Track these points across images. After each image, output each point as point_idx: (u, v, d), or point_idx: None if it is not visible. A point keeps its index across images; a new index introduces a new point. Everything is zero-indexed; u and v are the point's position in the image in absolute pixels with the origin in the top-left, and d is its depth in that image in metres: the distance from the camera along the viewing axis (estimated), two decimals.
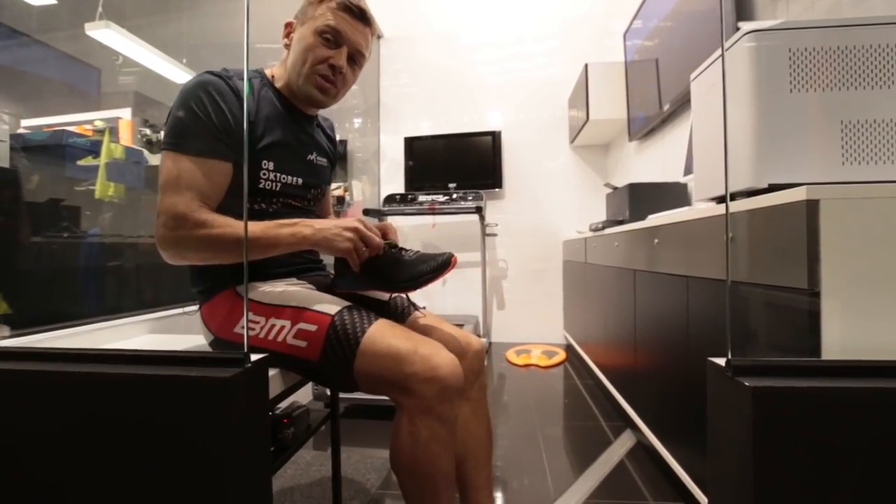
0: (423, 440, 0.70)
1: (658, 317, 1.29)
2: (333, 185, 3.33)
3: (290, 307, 0.77)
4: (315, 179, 0.95)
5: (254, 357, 0.69)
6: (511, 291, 3.22)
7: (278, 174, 0.85)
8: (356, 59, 0.88)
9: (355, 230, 0.76)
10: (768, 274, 0.76)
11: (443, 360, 0.71)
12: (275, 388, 0.79)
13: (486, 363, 0.88)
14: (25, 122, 3.25)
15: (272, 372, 0.76)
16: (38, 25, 3.00)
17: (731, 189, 0.89)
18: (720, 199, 1.00)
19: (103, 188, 2.34)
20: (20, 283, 1.38)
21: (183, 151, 0.74)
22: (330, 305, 0.78)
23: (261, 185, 0.82)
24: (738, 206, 0.84)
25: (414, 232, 3.31)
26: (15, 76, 3.31)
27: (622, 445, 1.53)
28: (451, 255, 0.83)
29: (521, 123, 3.20)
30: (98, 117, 3.32)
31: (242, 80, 0.81)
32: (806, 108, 0.79)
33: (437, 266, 0.82)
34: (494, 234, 3.17)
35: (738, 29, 0.85)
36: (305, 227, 0.76)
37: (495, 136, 3.16)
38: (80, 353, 0.66)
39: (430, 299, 3.24)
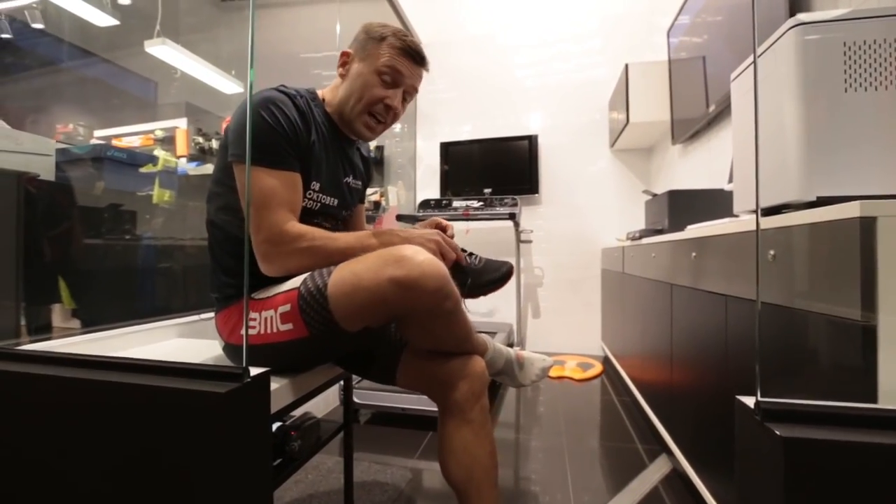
0: (441, 334, 0.79)
1: (695, 336, 1.19)
2: (370, 191, 3.40)
3: (271, 296, 0.79)
4: (349, 201, 0.99)
5: (254, 371, 0.69)
6: (547, 299, 3.12)
7: (321, 195, 0.89)
8: (408, 95, 0.92)
9: (436, 242, 0.83)
10: (815, 300, 0.67)
11: (414, 257, 0.71)
12: (283, 399, 0.79)
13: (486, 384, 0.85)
14: (98, 133, 3.56)
15: (279, 384, 0.76)
16: (103, 44, 3.26)
17: (775, 201, 0.80)
18: (765, 212, 0.90)
19: (160, 195, 2.51)
20: (82, 282, 1.48)
21: (270, 166, 0.77)
22: (291, 282, 0.79)
23: (304, 204, 0.84)
24: (781, 220, 0.75)
25: None
26: (86, 92, 3.63)
27: (657, 471, 1.43)
28: (510, 266, 0.93)
29: (560, 127, 3.11)
30: (158, 127, 3.59)
31: (303, 97, 0.86)
32: (864, 110, 0.69)
33: (500, 276, 0.91)
34: (529, 241, 3.09)
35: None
36: (394, 236, 0.81)
37: (532, 141, 3.08)
38: (84, 360, 0.68)
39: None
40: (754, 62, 0.57)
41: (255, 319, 0.77)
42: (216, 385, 0.63)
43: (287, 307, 0.75)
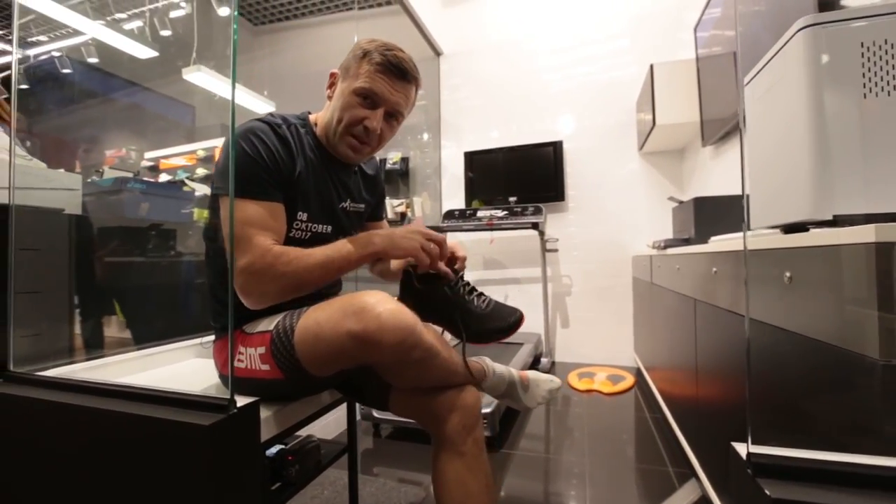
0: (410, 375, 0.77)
1: (718, 356, 1.11)
2: (395, 202, 3.44)
3: (254, 333, 0.79)
4: (346, 226, 0.95)
5: (241, 402, 0.70)
6: (576, 309, 3.03)
7: (310, 224, 0.86)
8: (395, 116, 0.88)
9: (422, 234, 0.80)
10: (833, 330, 0.60)
11: (374, 308, 0.68)
12: (278, 425, 0.80)
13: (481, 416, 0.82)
14: (147, 155, 3.83)
15: (271, 410, 0.77)
16: (146, 75, 3.50)
17: (789, 219, 0.73)
18: (788, 228, 0.83)
19: (200, 213, 2.68)
20: (131, 297, 1.56)
21: (250, 197, 0.76)
22: (271, 321, 0.78)
23: (291, 234, 0.83)
24: (794, 240, 0.69)
25: (474, 247, 3.27)
26: (133, 119, 3.90)
27: (684, 498, 1.34)
28: (520, 316, 0.87)
29: (587, 131, 3.02)
30: (200, 147, 3.82)
31: (290, 125, 0.86)
32: (885, 118, 0.62)
33: (507, 326, 0.85)
34: (555, 250, 3.01)
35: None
36: (373, 235, 0.80)
37: (556, 147, 3.01)
38: (83, 385, 0.72)
39: None
40: (740, 97, 0.52)
41: (242, 353, 0.78)
42: (202, 416, 0.64)
43: (262, 349, 0.76)
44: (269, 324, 0.78)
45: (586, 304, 3.00)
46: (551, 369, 2.82)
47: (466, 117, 3.38)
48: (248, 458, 0.70)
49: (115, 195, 1.18)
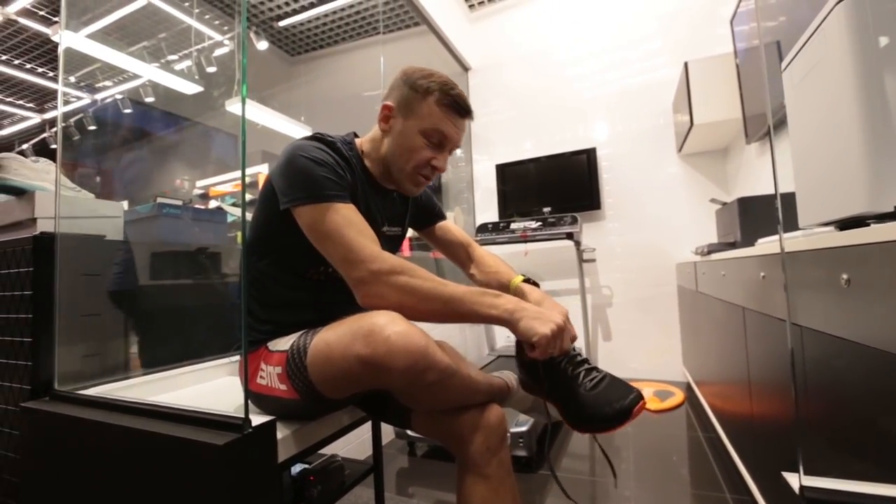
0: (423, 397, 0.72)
1: (772, 370, 1.00)
2: None
3: (276, 351, 0.78)
4: (385, 250, 0.93)
5: (257, 421, 0.70)
6: (618, 321, 2.89)
7: None
8: (453, 150, 0.89)
9: (563, 314, 0.73)
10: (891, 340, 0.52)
11: (382, 331, 0.64)
12: (300, 443, 0.79)
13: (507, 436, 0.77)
14: (199, 184, 4.09)
15: (291, 429, 0.76)
16: (194, 110, 3.76)
17: (842, 213, 0.65)
18: (843, 224, 0.74)
19: (240, 237, 2.82)
20: (179, 319, 1.62)
21: (337, 200, 0.74)
22: (288, 340, 0.76)
23: None
24: (847, 238, 0.61)
25: (508, 260, 3.21)
26: (185, 151, 4.18)
27: None
28: (638, 397, 0.71)
29: (620, 136, 2.92)
30: (248, 173, 4.02)
31: (345, 143, 0.86)
32: None
33: (622, 411, 0.69)
34: (592, 260, 2.90)
35: None
36: (508, 301, 0.72)
37: (590, 154, 2.93)
38: (112, 403, 0.74)
39: None
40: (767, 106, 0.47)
41: (264, 371, 0.78)
42: (217, 435, 0.64)
43: (279, 369, 0.75)
44: (287, 342, 0.77)
45: (629, 315, 2.86)
46: None
47: (497, 130, 3.37)
48: (265, 478, 0.69)
49: (152, 221, 1.25)
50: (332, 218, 0.73)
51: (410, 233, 1.20)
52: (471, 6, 3.41)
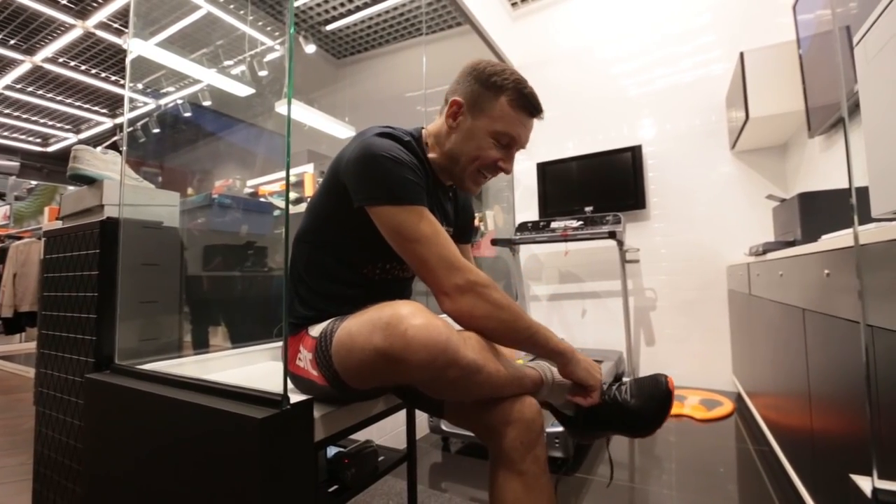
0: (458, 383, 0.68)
1: (836, 377, 0.92)
2: None
3: (312, 337, 0.78)
4: None
5: (295, 399, 0.72)
6: (662, 325, 2.77)
7: None
8: (520, 149, 0.87)
9: (599, 372, 0.81)
10: None
11: (399, 324, 0.63)
12: (333, 426, 0.80)
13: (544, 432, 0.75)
14: (249, 183, 4.31)
15: (325, 411, 0.78)
16: (247, 112, 3.95)
17: None
18: None
19: (285, 232, 2.94)
20: (229, 307, 1.72)
21: (421, 204, 0.74)
22: (321, 327, 0.77)
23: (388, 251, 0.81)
24: None
25: (548, 260, 3.16)
26: (238, 151, 4.41)
27: None
28: (663, 375, 0.79)
29: (668, 134, 2.80)
30: (292, 173, 4.21)
31: (414, 139, 0.84)
32: None
33: (664, 397, 0.78)
34: (636, 261, 2.79)
35: None
36: (573, 350, 0.79)
37: (635, 151, 2.83)
38: (164, 377, 0.79)
39: (569, 331, 3.02)
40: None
41: (301, 354, 0.79)
42: (258, 410, 0.67)
43: (310, 355, 0.76)
44: (319, 329, 0.78)
45: (674, 319, 2.73)
46: None
47: (539, 129, 3.21)
48: (302, 454, 0.71)
49: (205, 209, 1.32)
50: (421, 223, 0.72)
51: None
52: (513, 4, 3.39)
